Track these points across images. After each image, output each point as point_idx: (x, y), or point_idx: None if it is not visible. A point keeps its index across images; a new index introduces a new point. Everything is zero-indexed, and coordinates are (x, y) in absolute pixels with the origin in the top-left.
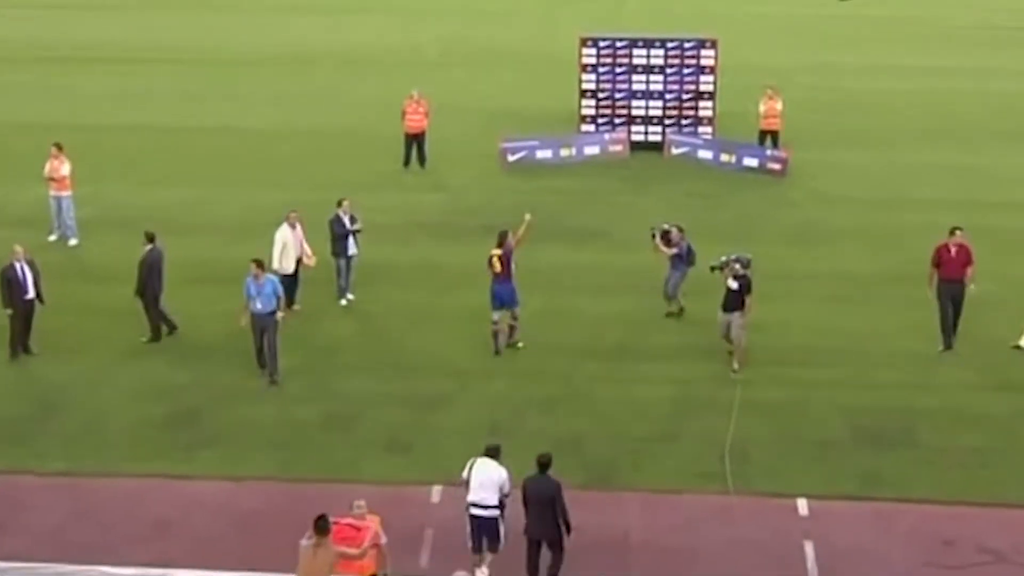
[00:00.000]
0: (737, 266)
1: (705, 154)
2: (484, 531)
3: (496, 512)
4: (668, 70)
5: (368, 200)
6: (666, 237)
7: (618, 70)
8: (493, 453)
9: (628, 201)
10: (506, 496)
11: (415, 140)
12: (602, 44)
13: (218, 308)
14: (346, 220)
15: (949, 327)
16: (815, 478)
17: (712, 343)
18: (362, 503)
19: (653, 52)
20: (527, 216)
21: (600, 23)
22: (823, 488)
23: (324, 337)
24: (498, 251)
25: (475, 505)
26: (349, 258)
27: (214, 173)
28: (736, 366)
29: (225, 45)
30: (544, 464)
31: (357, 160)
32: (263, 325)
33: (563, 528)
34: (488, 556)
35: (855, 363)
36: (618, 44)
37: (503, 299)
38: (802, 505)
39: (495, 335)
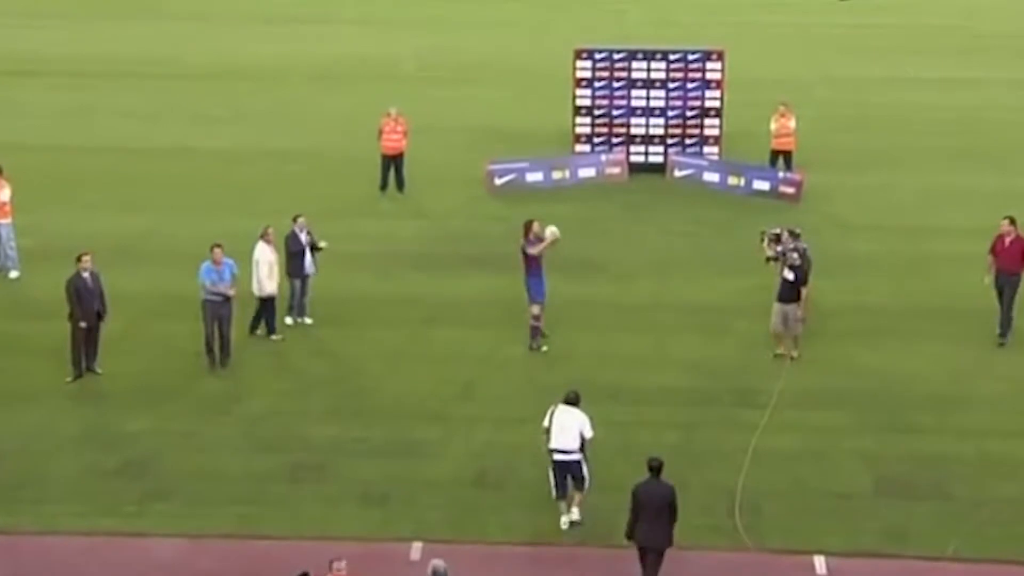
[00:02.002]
0: (794, 255)
1: (711, 177)
2: (570, 473)
3: (579, 455)
4: (671, 85)
5: (342, 228)
6: (777, 241)
7: (616, 85)
8: (573, 400)
9: (626, 229)
10: (588, 440)
11: (393, 162)
12: (598, 56)
13: (174, 346)
14: (302, 236)
15: (1004, 319)
16: (834, 533)
17: (719, 385)
18: (343, 564)
19: (654, 65)
20: (553, 230)
21: (597, 34)
22: (843, 544)
23: (291, 378)
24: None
25: (557, 451)
26: (305, 278)
27: (170, 199)
28: (795, 353)
29: (181, 57)
30: (656, 468)
31: (329, 184)
32: (220, 313)
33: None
34: (576, 496)
35: (879, 406)
36: (616, 56)
37: (542, 292)
38: (819, 563)
39: (534, 330)
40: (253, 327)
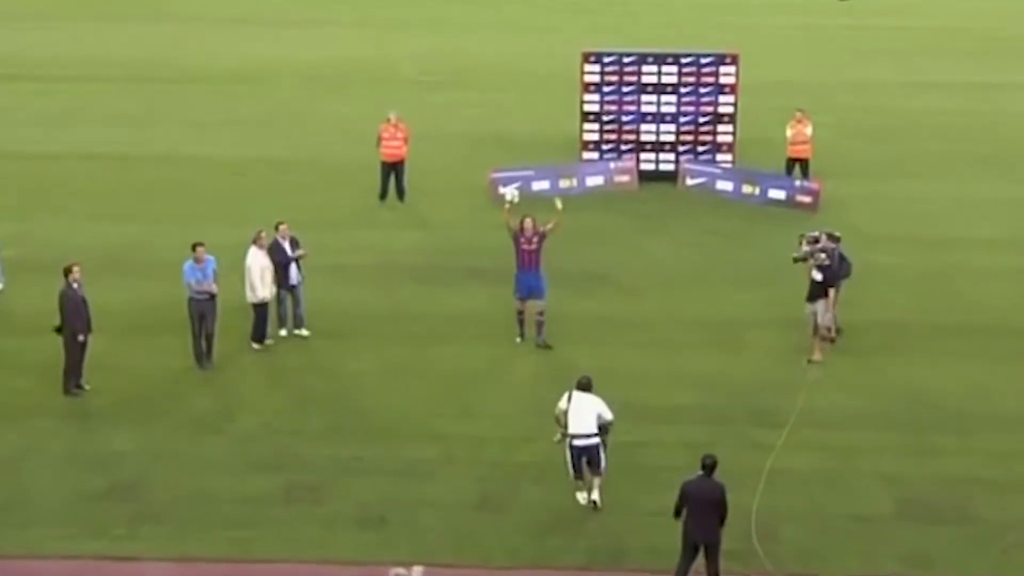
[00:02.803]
0: (822, 256)
1: (725, 185)
2: (587, 457)
3: (597, 439)
4: (682, 89)
5: (339, 239)
6: (815, 243)
7: (625, 89)
8: (586, 385)
9: (636, 240)
10: (610, 422)
11: (393, 170)
12: (607, 60)
13: (165, 362)
14: (286, 246)
15: None
16: (853, 558)
17: (732, 403)
18: None
19: (665, 69)
20: (557, 203)
21: (605, 36)
22: (863, 569)
23: (286, 395)
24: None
25: (576, 436)
26: (293, 288)
27: (160, 208)
28: (817, 356)
29: (173, 60)
30: (710, 466)
31: (326, 193)
32: (204, 310)
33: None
34: (595, 480)
35: (901, 426)
36: (625, 60)
37: (529, 288)
38: None
39: (520, 323)
40: (257, 336)
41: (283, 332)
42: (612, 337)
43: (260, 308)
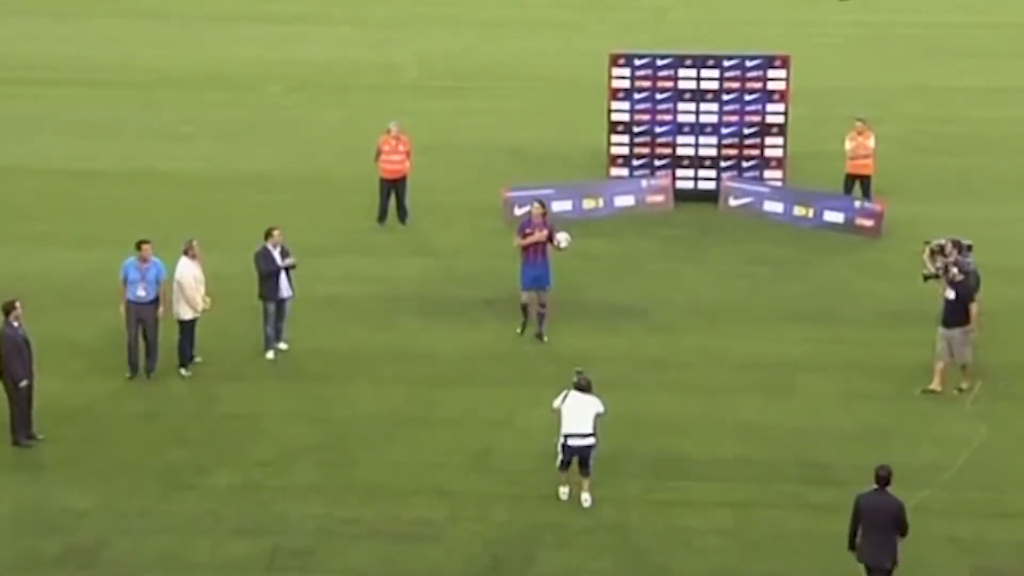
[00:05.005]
0: (955, 271)
1: (774, 207)
2: (580, 457)
3: (592, 440)
4: (725, 96)
5: (332, 267)
6: (941, 253)
7: (659, 96)
8: (585, 386)
9: (671, 269)
10: (599, 415)
11: (393, 188)
12: (639, 63)
13: (130, 407)
14: (276, 255)
15: None
16: None
17: (781, 456)
18: None
19: (705, 73)
20: (560, 242)
21: (635, 35)
22: None
23: (269, 446)
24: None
25: (571, 436)
26: (281, 302)
27: (127, 231)
28: (964, 385)
29: (141, 62)
30: (884, 478)
31: (316, 214)
32: (143, 316)
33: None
34: (585, 482)
35: (978, 483)
36: (660, 62)
37: (534, 278)
38: None
39: (524, 314)
40: (186, 359)
41: (270, 355)
42: (644, 380)
43: (190, 326)
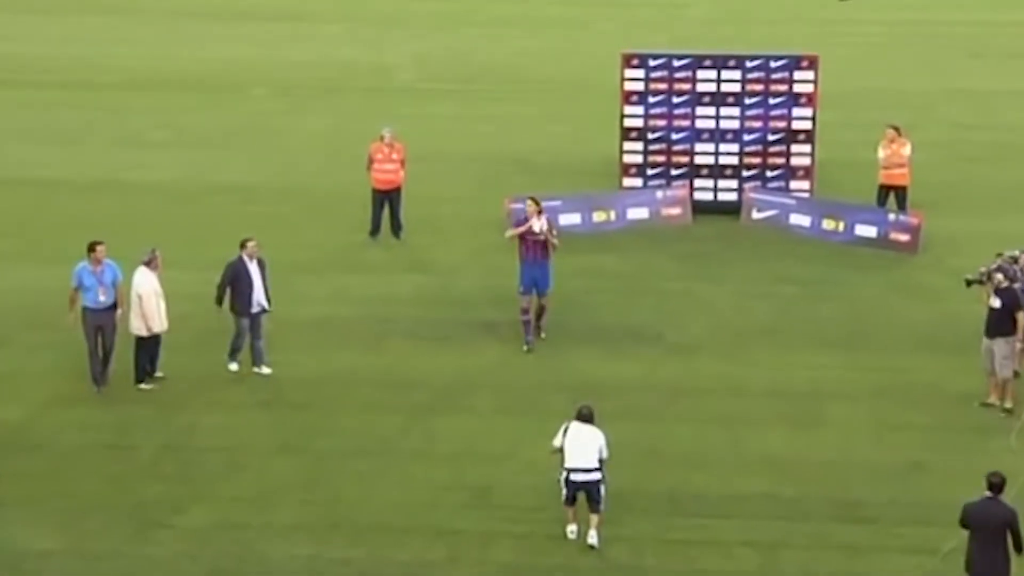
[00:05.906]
0: (999, 277)
1: (801, 220)
2: (585, 492)
3: (598, 475)
4: (747, 100)
5: (319, 286)
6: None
7: (676, 100)
8: (587, 416)
9: (688, 288)
10: (604, 460)
11: (387, 199)
12: (653, 63)
13: (97, 438)
14: (252, 267)
15: None
16: None
17: (809, 492)
18: None
19: (726, 75)
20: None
21: (650, 34)
22: None
23: (250, 481)
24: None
25: (575, 471)
26: (256, 315)
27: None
28: (1009, 404)
29: (110, 62)
30: (997, 485)
31: (303, 228)
32: (102, 322)
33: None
34: (594, 519)
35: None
36: (676, 63)
37: (533, 280)
38: None
39: (525, 325)
40: (142, 375)
41: (233, 367)
42: (660, 409)
43: (151, 342)
